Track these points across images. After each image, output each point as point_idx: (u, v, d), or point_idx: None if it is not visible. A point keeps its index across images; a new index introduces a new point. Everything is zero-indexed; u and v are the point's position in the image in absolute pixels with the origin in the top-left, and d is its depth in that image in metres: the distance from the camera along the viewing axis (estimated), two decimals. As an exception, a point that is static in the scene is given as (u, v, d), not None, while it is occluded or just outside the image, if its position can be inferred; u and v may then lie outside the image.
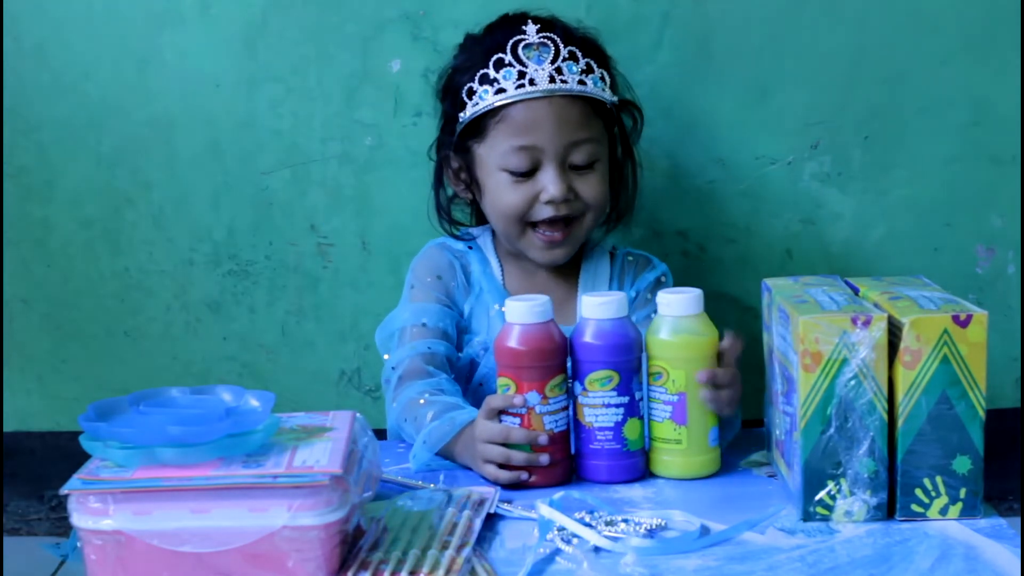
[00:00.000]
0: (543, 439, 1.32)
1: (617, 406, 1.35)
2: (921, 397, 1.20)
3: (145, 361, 1.89)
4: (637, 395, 1.36)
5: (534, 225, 1.54)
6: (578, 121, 1.51)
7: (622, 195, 1.64)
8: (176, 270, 1.86)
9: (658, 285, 1.59)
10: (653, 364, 1.36)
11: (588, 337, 1.35)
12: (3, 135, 1.83)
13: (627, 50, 1.75)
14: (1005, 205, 1.79)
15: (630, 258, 1.64)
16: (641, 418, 1.37)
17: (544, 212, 1.52)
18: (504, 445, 1.33)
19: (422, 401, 1.43)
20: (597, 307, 1.35)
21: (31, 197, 1.85)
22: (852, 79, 1.75)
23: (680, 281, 1.55)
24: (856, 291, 1.34)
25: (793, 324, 1.23)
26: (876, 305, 1.26)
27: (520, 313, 1.35)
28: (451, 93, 1.56)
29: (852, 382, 1.20)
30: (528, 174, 1.52)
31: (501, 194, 1.53)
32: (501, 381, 1.36)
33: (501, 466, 1.33)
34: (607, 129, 1.57)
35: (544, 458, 1.33)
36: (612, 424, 1.35)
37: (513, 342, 1.34)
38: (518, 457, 1.33)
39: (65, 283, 1.88)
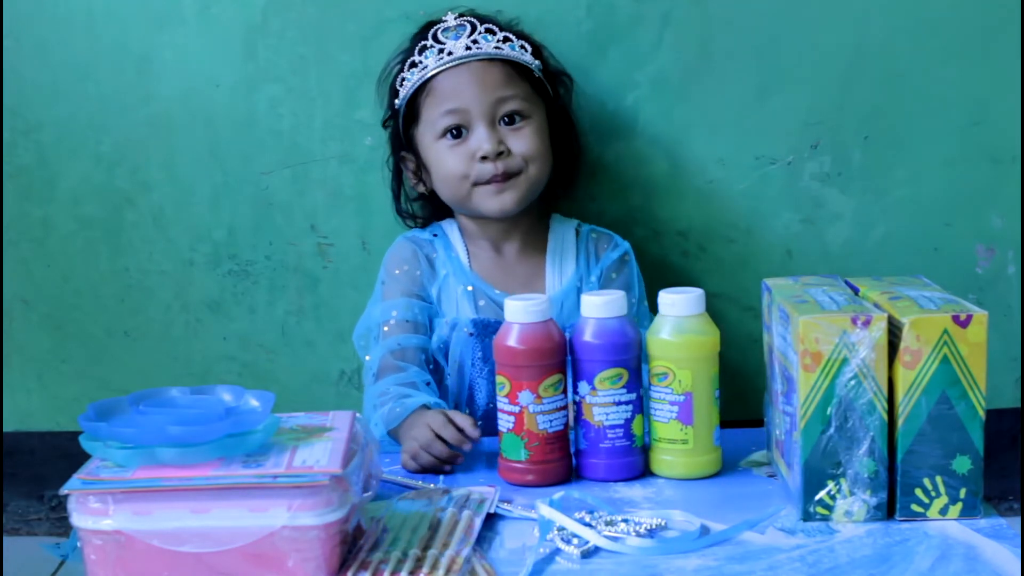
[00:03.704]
0: (464, 449, 1.40)
1: (627, 403, 1.35)
2: (921, 397, 1.20)
3: (145, 361, 1.88)
4: (640, 392, 1.37)
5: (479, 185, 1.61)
6: (499, 80, 1.59)
7: (566, 162, 1.70)
8: (176, 270, 1.86)
9: (621, 264, 1.66)
10: (656, 364, 1.36)
11: (595, 337, 1.35)
12: (3, 135, 1.83)
13: (627, 50, 1.75)
14: (1005, 205, 1.79)
15: (593, 235, 1.69)
16: (643, 415, 1.37)
17: (483, 171, 1.59)
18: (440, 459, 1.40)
19: (384, 393, 1.53)
20: (601, 306, 1.35)
21: (31, 197, 1.85)
22: (852, 79, 1.75)
23: (680, 281, 1.55)
24: (856, 291, 1.34)
25: (793, 324, 1.23)
26: (876, 305, 1.26)
27: (518, 312, 1.35)
28: (389, 89, 1.66)
29: (852, 382, 1.20)
30: (462, 136, 1.59)
31: (442, 162, 1.61)
32: (497, 380, 1.36)
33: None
34: (537, 93, 1.63)
35: (529, 477, 1.36)
36: (623, 421, 1.36)
37: (510, 341, 1.35)
38: (442, 450, 1.40)
39: (65, 283, 1.88)
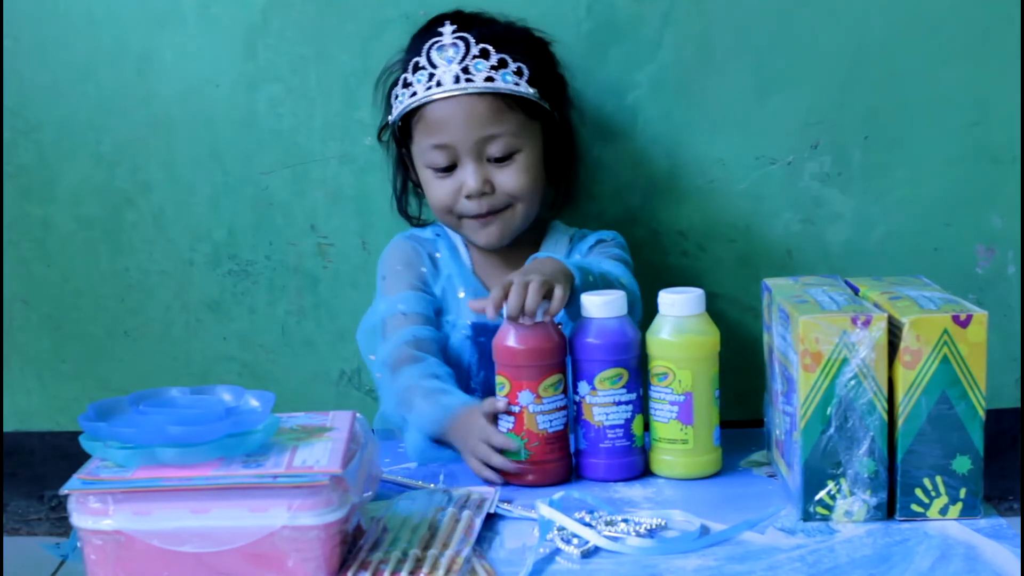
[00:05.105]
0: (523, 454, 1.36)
1: (627, 403, 1.36)
2: (921, 397, 1.20)
3: (145, 361, 1.88)
4: (640, 392, 1.37)
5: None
6: (488, 117, 1.55)
7: (564, 179, 1.69)
8: (176, 270, 1.86)
9: (596, 243, 1.64)
10: (656, 364, 1.36)
11: (594, 337, 1.35)
12: (3, 135, 1.83)
13: (627, 50, 1.75)
14: (1005, 205, 1.79)
15: (580, 235, 1.68)
16: (642, 415, 1.37)
17: (467, 206, 1.58)
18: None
19: (413, 387, 1.48)
20: (601, 306, 1.35)
21: (31, 197, 1.85)
22: (852, 79, 1.75)
23: (680, 281, 1.54)
24: (856, 291, 1.34)
25: (793, 324, 1.23)
26: (876, 305, 1.26)
27: (517, 312, 1.35)
28: (384, 101, 1.65)
29: (852, 382, 1.20)
30: (449, 169, 1.58)
31: (430, 189, 1.61)
32: (497, 380, 1.36)
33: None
34: (534, 118, 1.59)
35: (529, 477, 1.35)
36: (623, 421, 1.36)
37: (510, 341, 1.35)
38: (503, 463, 1.36)
39: (65, 283, 1.88)
